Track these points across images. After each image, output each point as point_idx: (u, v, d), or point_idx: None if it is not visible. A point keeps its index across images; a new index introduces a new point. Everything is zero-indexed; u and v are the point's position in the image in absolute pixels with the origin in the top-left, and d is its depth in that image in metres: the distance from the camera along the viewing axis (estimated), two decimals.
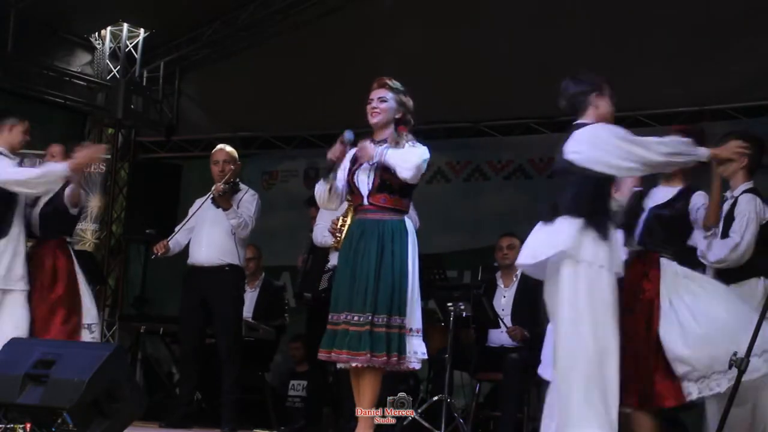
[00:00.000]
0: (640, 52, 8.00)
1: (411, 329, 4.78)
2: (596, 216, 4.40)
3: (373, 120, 4.93)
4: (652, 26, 8.07)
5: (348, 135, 4.92)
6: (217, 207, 6.77)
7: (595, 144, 4.40)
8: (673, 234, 4.93)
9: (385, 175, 4.81)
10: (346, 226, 5.64)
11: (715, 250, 5.04)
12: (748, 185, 5.18)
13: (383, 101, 4.91)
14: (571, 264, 4.31)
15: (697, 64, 7.74)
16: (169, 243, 6.83)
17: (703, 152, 4.55)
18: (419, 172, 4.80)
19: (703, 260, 5.08)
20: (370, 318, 4.68)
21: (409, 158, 4.77)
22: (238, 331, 6.90)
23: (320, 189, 4.98)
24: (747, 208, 5.09)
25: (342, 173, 4.98)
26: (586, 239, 4.33)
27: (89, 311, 6.43)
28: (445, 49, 8.68)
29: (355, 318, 4.72)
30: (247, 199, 6.86)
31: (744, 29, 7.75)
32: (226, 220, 6.74)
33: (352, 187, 4.95)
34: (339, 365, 4.88)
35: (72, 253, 6.50)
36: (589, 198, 4.41)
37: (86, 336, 6.32)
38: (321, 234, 6.46)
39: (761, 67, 7.63)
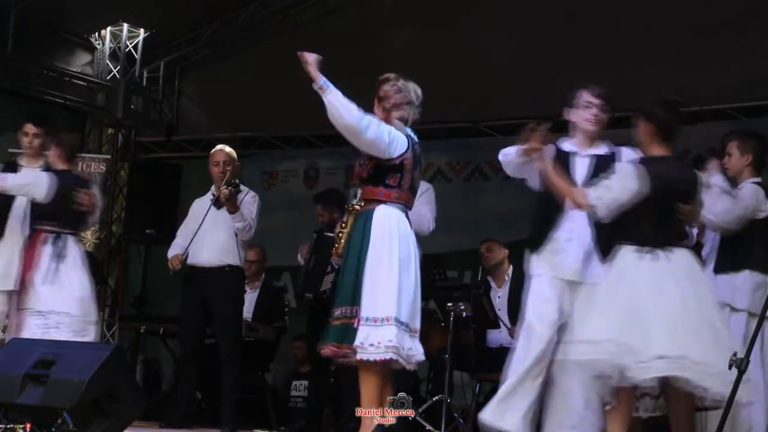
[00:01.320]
0: (640, 52, 8.00)
1: (375, 318, 4.65)
2: None
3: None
4: (652, 26, 8.06)
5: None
6: (218, 208, 6.76)
7: None
8: None
9: (356, 167, 4.89)
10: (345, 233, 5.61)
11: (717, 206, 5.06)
12: (755, 180, 5.22)
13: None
14: None
15: (697, 64, 7.74)
16: (180, 253, 6.81)
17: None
18: (350, 128, 4.68)
19: (709, 220, 5.05)
20: (334, 311, 4.75)
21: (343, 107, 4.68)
22: (238, 331, 6.90)
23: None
24: (747, 192, 5.14)
25: None
26: None
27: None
28: (445, 49, 8.68)
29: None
30: (249, 201, 6.85)
31: (744, 29, 7.74)
32: (226, 221, 6.72)
33: None
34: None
35: None
36: None
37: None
38: None
39: (761, 67, 7.62)
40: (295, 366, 8.49)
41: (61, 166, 6.17)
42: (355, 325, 4.65)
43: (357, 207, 4.89)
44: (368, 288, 4.68)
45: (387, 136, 4.74)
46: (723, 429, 4.13)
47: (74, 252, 6.11)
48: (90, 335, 5.98)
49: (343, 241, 4.95)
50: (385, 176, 4.83)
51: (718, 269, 5.14)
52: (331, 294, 6.36)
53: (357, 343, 4.63)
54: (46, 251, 6.03)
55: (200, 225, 6.76)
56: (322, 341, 4.77)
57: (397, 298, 4.69)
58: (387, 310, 4.66)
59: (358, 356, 4.63)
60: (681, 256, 4.46)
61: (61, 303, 5.96)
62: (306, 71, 4.72)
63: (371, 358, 4.63)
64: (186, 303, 6.99)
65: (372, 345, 4.62)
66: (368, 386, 4.69)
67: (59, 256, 6.03)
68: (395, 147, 4.79)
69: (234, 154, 6.94)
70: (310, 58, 4.71)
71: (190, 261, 6.84)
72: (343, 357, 4.73)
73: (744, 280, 5.08)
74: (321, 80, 4.69)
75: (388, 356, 4.63)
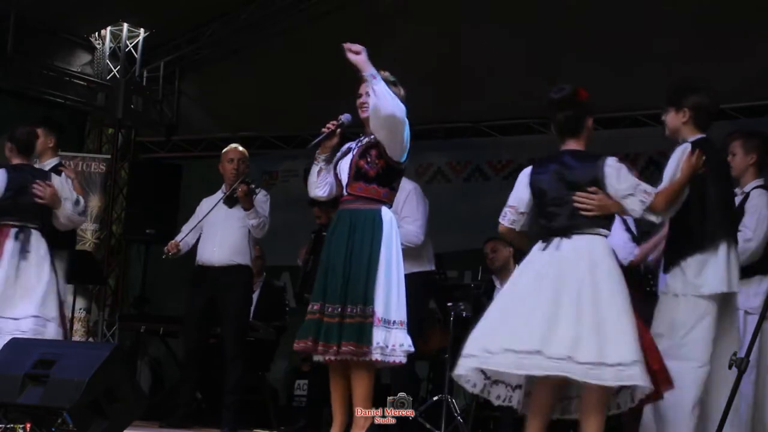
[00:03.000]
0: (640, 52, 8.00)
1: (390, 320, 4.65)
2: None
3: (363, 115, 4.89)
4: (652, 26, 8.06)
5: (345, 117, 4.92)
6: (230, 207, 6.74)
7: None
8: None
9: (360, 162, 4.78)
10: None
11: None
12: (759, 182, 5.21)
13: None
14: None
15: (698, 64, 7.73)
16: (180, 243, 6.81)
17: None
18: (387, 109, 4.66)
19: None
20: (339, 309, 4.63)
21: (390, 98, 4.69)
22: (244, 331, 6.89)
23: (312, 170, 4.97)
24: (759, 204, 5.09)
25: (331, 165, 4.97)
26: None
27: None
28: (445, 49, 8.68)
29: (329, 309, 4.67)
30: (261, 199, 6.84)
31: (744, 29, 7.74)
32: (237, 219, 6.71)
33: (337, 180, 4.94)
34: (316, 358, 4.78)
35: None
36: None
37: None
38: None
39: (761, 67, 7.63)
40: (298, 365, 8.49)
41: (15, 160, 6.12)
42: (375, 325, 4.62)
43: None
44: (382, 289, 4.66)
45: (408, 140, 4.80)
46: (723, 429, 4.14)
47: (37, 247, 5.98)
48: (49, 333, 5.82)
49: None
50: (393, 179, 4.85)
51: None
52: None
53: (377, 344, 4.60)
54: (8, 247, 5.91)
55: (203, 218, 6.77)
56: (327, 339, 4.65)
57: (405, 302, 4.74)
58: (400, 313, 4.70)
59: (376, 357, 4.61)
60: (577, 241, 4.30)
61: (26, 307, 5.83)
62: (353, 60, 4.65)
63: (389, 360, 4.64)
64: (192, 302, 6.94)
65: (390, 347, 4.63)
66: (366, 385, 4.68)
67: (21, 251, 5.94)
68: (408, 144, 4.83)
69: (246, 152, 6.93)
70: (360, 48, 4.66)
71: (199, 260, 6.82)
72: (361, 356, 4.63)
73: (758, 285, 5.06)
74: (372, 69, 4.66)
75: (402, 360, 4.67)
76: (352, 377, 4.71)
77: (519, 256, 7.12)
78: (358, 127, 5.00)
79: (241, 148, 6.93)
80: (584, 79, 8.01)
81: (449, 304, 6.65)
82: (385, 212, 4.79)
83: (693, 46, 7.89)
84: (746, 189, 5.18)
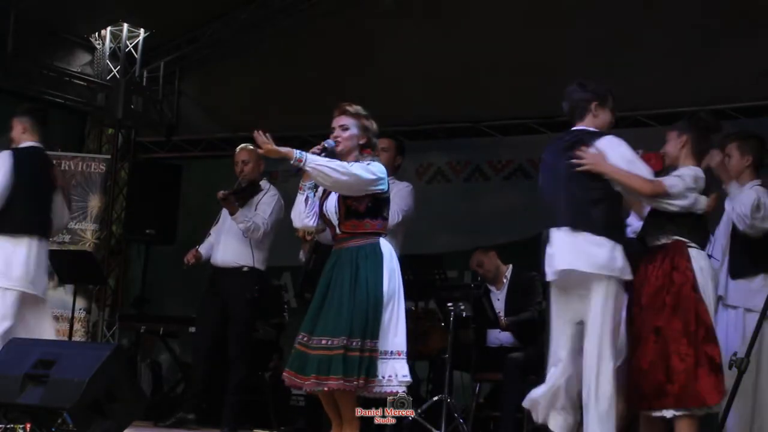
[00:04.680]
0: (640, 52, 8.00)
1: (388, 351, 4.67)
2: (621, 233, 4.64)
3: (338, 149, 4.86)
4: (651, 26, 8.06)
5: (329, 142, 4.86)
6: None
7: (626, 160, 4.67)
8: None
9: (348, 200, 4.75)
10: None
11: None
12: (757, 182, 5.22)
13: (345, 129, 4.85)
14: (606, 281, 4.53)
15: (697, 64, 7.74)
16: (201, 250, 6.83)
17: (702, 205, 4.67)
18: (347, 183, 4.67)
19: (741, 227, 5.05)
20: (345, 342, 4.57)
21: (334, 167, 4.65)
22: (247, 332, 6.89)
23: (298, 200, 4.94)
24: (752, 191, 5.12)
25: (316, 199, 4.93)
26: (619, 255, 4.55)
27: None
28: (445, 49, 8.67)
29: (331, 342, 4.61)
30: (266, 201, 6.83)
31: (744, 29, 7.74)
32: None
33: (324, 219, 4.90)
34: (307, 389, 4.70)
35: None
36: (617, 215, 4.66)
37: None
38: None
39: (761, 67, 7.62)
40: None
41: None
42: (379, 357, 4.63)
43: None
44: (386, 322, 4.67)
45: (378, 172, 4.75)
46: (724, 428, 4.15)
47: None
48: None
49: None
50: (382, 209, 4.83)
51: (735, 274, 5.13)
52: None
53: (381, 377, 4.63)
54: None
55: (218, 223, 6.84)
56: (319, 371, 4.58)
57: (405, 331, 4.76)
58: (398, 343, 4.71)
59: (387, 389, 4.65)
60: None
61: None
62: (272, 153, 4.72)
63: (384, 390, 4.66)
64: (203, 302, 6.97)
65: (386, 378, 4.64)
66: (353, 406, 4.67)
67: None
68: (385, 179, 4.80)
69: (253, 152, 6.88)
70: (265, 141, 4.71)
71: (212, 261, 6.89)
72: (368, 389, 4.64)
73: (760, 283, 5.07)
74: (295, 153, 4.65)
75: (400, 390, 4.67)
76: (340, 401, 4.68)
77: (513, 259, 7.17)
78: None
79: (250, 147, 6.89)
80: (584, 79, 8.05)
81: (449, 304, 6.64)
82: (384, 244, 4.79)
83: (693, 46, 7.89)
84: (745, 190, 5.19)
